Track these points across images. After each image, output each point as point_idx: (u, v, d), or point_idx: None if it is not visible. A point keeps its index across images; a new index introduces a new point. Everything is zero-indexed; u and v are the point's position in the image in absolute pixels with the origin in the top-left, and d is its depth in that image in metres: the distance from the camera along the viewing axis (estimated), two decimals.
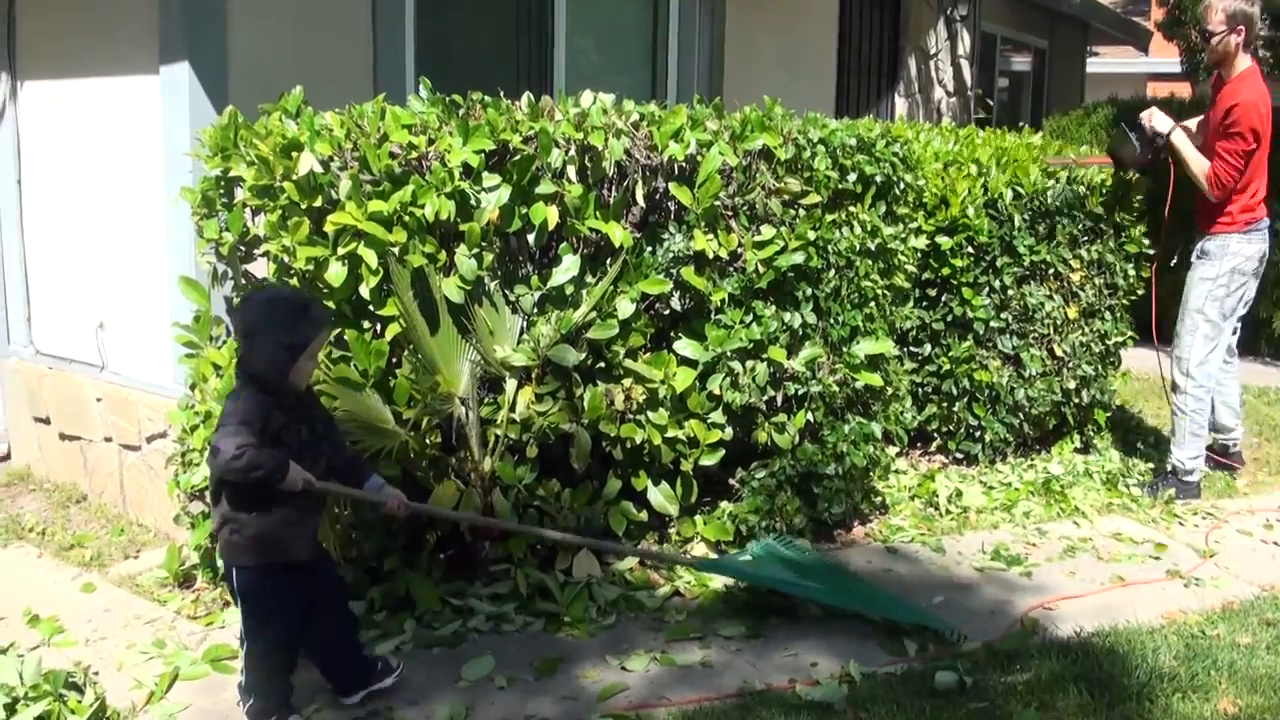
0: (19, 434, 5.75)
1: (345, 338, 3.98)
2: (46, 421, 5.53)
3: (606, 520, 4.31)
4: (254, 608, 3.32)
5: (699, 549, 4.54)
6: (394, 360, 4.05)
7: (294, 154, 3.95)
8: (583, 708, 3.47)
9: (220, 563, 4.15)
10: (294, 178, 3.93)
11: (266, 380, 3.20)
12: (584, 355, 4.19)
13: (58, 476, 5.55)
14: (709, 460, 4.45)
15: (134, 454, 5.05)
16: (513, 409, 4.13)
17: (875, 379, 4.79)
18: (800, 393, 4.61)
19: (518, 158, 4.10)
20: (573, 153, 4.24)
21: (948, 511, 5.21)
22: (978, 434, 5.84)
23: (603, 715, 3.40)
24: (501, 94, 4.40)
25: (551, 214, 4.15)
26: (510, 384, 4.15)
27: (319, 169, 3.95)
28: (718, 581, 4.31)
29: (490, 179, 4.08)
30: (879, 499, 5.14)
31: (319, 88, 4.43)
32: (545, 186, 4.15)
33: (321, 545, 3.55)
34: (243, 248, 4.26)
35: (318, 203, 3.97)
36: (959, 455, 5.91)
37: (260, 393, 3.20)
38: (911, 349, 5.79)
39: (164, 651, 3.88)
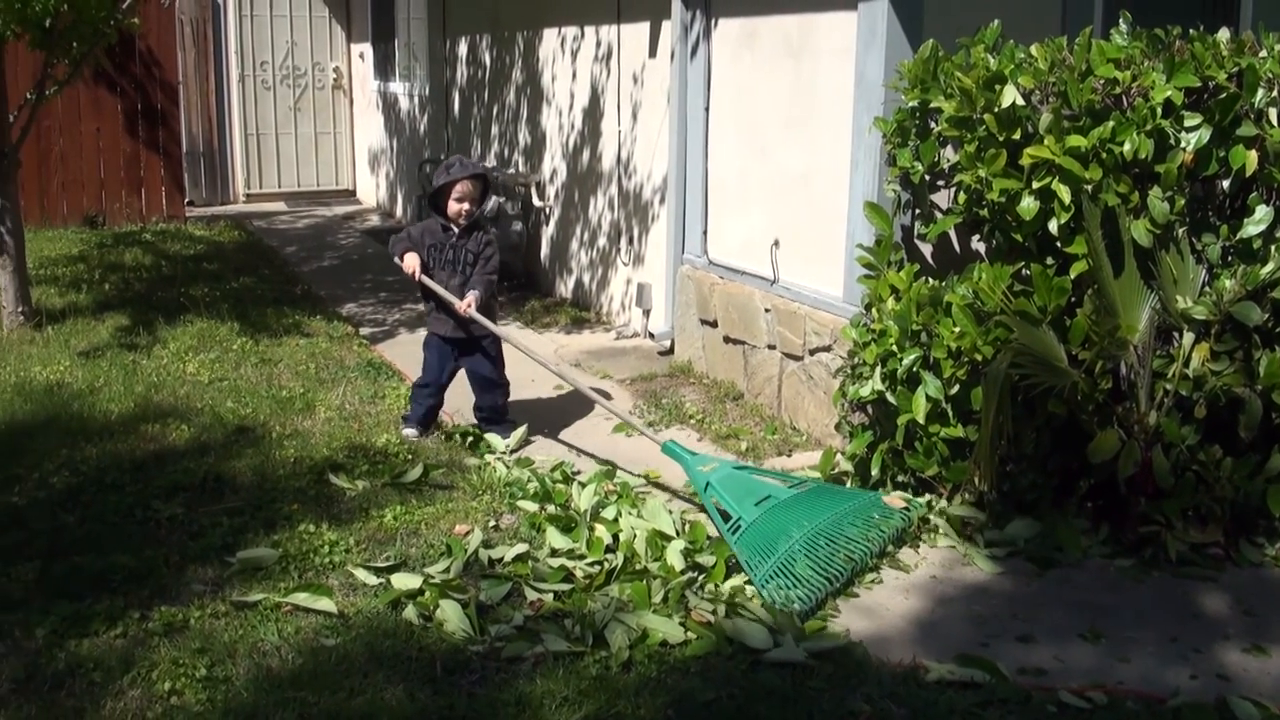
0: (683, 333, 6.50)
1: (1028, 272, 4.03)
2: (713, 324, 6.19)
3: (1264, 498, 4.00)
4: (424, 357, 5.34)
5: None
6: (1073, 299, 4.03)
7: (997, 86, 4.04)
8: (1228, 688, 3.30)
9: (874, 471, 4.46)
10: (995, 110, 4.02)
11: (431, 209, 5.15)
12: (1266, 315, 3.89)
13: (717, 374, 6.21)
14: None
15: (795, 363, 5.50)
16: (1186, 364, 3.95)
17: None
18: None
19: (1221, 96, 3.88)
20: (1276, 93, 3.93)
21: None
22: None
23: (1241, 696, 3.22)
24: (1201, 27, 4.16)
25: (1251, 158, 3.89)
26: (1186, 337, 3.96)
27: (1020, 102, 4.00)
28: None
29: (1191, 118, 3.91)
30: None
31: (1005, 25, 4.46)
32: (1246, 128, 3.90)
33: (468, 333, 5.16)
34: (929, 177, 4.46)
35: (1015, 135, 4.03)
36: None
37: (431, 219, 5.15)
38: None
39: None
